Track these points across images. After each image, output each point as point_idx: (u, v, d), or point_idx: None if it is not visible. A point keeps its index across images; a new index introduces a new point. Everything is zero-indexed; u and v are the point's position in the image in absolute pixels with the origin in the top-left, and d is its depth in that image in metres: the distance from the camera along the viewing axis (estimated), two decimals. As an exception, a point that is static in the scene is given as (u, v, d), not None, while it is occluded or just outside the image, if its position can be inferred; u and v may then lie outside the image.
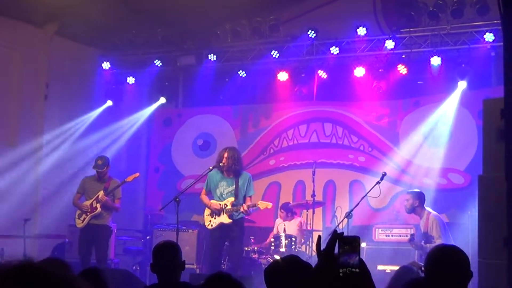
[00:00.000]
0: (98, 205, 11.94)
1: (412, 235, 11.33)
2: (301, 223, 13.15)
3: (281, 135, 15.13)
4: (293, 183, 14.79)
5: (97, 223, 11.98)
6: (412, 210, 11.49)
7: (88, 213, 11.96)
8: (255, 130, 15.35)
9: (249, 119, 15.49)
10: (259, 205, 10.94)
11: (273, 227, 13.39)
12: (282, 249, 12.09)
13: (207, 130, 15.73)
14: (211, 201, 11.24)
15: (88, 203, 12.02)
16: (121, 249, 14.25)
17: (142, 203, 15.96)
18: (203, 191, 11.41)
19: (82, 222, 11.99)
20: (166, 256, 5.66)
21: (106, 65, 15.30)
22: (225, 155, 11.05)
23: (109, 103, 15.42)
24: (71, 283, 1.64)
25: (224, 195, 11.13)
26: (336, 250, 2.25)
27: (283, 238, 12.21)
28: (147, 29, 14.96)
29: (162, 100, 15.86)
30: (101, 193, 11.95)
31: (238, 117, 15.63)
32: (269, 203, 11.21)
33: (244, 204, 10.91)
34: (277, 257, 11.75)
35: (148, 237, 14.10)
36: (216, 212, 11.11)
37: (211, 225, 11.16)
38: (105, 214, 12.03)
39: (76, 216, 12.13)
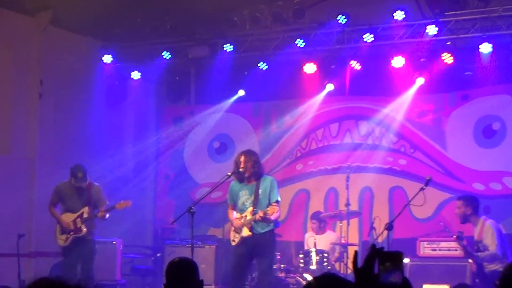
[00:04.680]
0: (83, 226, 12.10)
1: (460, 232, 11.26)
2: (334, 236, 13.21)
3: (309, 136, 15.18)
4: (324, 190, 14.83)
5: (83, 239, 12.15)
6: (465, 219, 11.47)
7: (72, 233, 12.14)
8: (279, 130, 15.39)
9: (272, 118, 15.55)
10: (268, 211, 10.76)
11: (303, 242, 13.47)
12: (313, 267, 12.15)
13: (224, 131, 15.80)
14: (235, 215, 11.26)
15: (69, 219, 12.16)
16: (129, 268, 14.33)
17: (151, 215, 16.04)
18: (229, 207, 11.40)
19: (65, 242, 12.18)
20: (182, 276, 5.72)
21: (107, 59, 15.37)
22: (242, 159, 11.11)
23: (241, 92, 15.39)
24: None
25: (247, 206, 11.09)
26: (375, 268, 2.31)
27: (313, 254, 12.26)
28: (153, 17, 15.01)
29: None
30: (86, 210, 12.07)
31: (259, 116, 15.69)
32: (276, 207, 10.99)
33: (260, 211, 10.81)
34: (307, 276, 11.82)
35: (158, 254, 14.19)
36: (237, 231, 11.15)
37: (234, 241, 11.15)
38: (91, 230, 12.19)
39: (58, 232, 12.28)
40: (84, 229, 12.03)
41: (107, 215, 12.12)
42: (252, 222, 10.94)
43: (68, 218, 12.14)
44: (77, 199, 12.19)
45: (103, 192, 12.35)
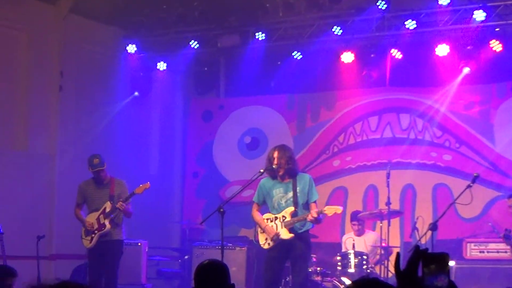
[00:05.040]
0: (107, 221, 12.08)
1: (508, 230, 11.21)
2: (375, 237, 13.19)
3: (347, 130, 15.15)
4: (363, 188, 14.82)
5: (108, 239, 12.15)
6: None
7: (96, 231, 12.15)
8: (314, 124, 15.39)
9: (307, 111, 15.54)
10: (325, 211, 10.72)
11: (340, 244, 13.44)
12: (351, 270, 12.12)
13: (256, 125, 15.82)
14: (265, 216, 11.08)
15: (92, 218, 12.18)
16: (154, 271, 14.39)
17: (178, 215, 16.10)
18: (255, 206, 11.19)
19: (91, 242, 12.18)
20: (212, 279, 5.72)
21: (131, 48, 15.43)
22: (275, 154, 10.97)
23: (136, 94, 15.54)
24: None
25: (282, 205, 10.94)
26: (419, 271, 2.30)
27: (352, 256, 12.24)
28: (180, 3, 15.04)
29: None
30: (108, 205, 12.08)
31: (293, 109, 15.69)
32: (338, 207, 10.96)
33: (312, 211, 10.73)
34: (345, 280, 11.79)
35: (186, 257, 14.24)
36: (273, 238, 10.86)
37: (268, 244, 10.96)
38: (116, 228, 12.20)
39: (83, 234, 12.30)
40: (108, 225, 12.03)
41: (129, 207, 12.10)
42: (295, 223, 10.86)
43: (92, 218, 12.19)
44: (99, 195, 12.23)
45: (125, 185, 12.35)
